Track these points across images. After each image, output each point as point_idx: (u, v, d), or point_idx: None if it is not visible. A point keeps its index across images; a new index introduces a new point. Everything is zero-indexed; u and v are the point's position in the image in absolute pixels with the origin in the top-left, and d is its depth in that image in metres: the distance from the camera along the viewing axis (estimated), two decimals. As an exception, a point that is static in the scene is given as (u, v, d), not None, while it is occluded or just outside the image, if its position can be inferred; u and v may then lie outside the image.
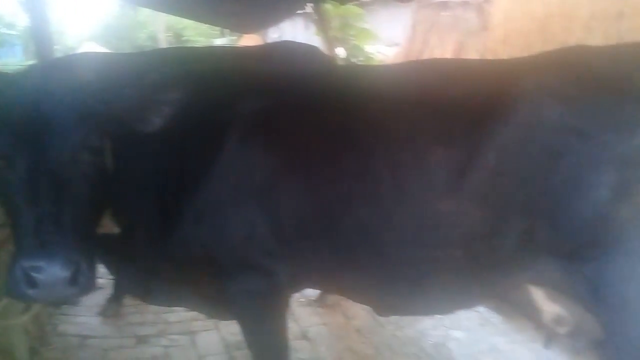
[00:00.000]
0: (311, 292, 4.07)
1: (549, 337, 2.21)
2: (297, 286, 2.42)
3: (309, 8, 5.59)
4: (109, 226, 2.42)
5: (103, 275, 3.40)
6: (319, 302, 3.99)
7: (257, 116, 2.13)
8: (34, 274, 1.65)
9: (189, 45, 13.52)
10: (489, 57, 5.05)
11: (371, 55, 6.91)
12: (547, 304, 2.05)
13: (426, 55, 7.79)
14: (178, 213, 2.13)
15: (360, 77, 2.40)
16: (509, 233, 1.91)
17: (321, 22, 5.61)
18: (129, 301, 3.77)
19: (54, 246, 1.68)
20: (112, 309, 3.82)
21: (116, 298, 3.82)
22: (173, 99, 1.98)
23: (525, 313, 2.25)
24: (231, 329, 3.43)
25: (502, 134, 1.87)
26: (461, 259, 1.98)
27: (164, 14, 10.14)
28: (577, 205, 1.83)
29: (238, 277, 2.19)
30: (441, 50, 10.59)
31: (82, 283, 1.74)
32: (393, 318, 3.71)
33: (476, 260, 1.97)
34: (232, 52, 2.91)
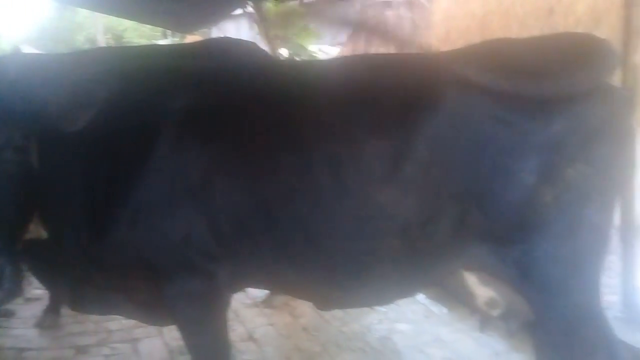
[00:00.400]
0: (257, 294, 4.03)
1: (484, 320, 2.26)
2: (238, 286, 2.38)
3: (251, 8, 5.56)
4: (36, 231, 2.32)
5: (39, 286, 3.28)
6: (266, 303, 3.96)
7: (190, 113, 2.09)
8: None
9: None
10: (428, 53, 5.14)
11: (314, 54, 6.93)
12: (481, 288, 2.09)
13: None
14: (110, 216, 2.06)
15: (296, 72, 2.39)
16: (442, 221, 1.94)
17: (262, 21, 5.59)
18: (67, 311, 3.61)
19: None
20: (49, 319, 3.69)
21: (53, 308, 3.69)
22: (99, 97, 1.93)
23: (461, 298, 2.29)
24: (175, 334, 3.34)
25: (431, 125, 1.90)
26: (399, 249, 1.99)
27: (103, 14, 9.88)
28: (504, 191, 1.88)
29: (176, 280, 2.14)
30: (385, 48, 10.79)
31: (5, 288, 1.67)
32: (339, 314, 3.72)
33: (413, 248, 1.99)
34: (166, 50, 2.86)
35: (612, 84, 1.94)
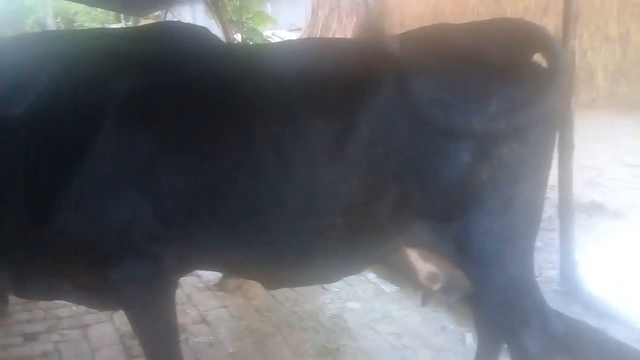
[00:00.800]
0: (210, 277, 4.05)
1: (425, 294, 2.33)
2: (185, 268, 2.37)
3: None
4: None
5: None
6: (219, 286, 3.96)
7: (135, 95, 2.07)
8: None
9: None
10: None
11: (268, 39, 6.87)
12: (422, 264, 2.16)
13: (325, 39, 7.93)
14: (53, 200, 2.03)
15: (243, 55, 2.40)
16: (384, 199, 1.99)
17: (215, 5, 5.51)
18: (15, 299, 3.54)
19: None
20: (-4, 308, 3.61)
21: (0, 296, 3.58)
22: (39, 81, 1.89)
23: (405, 275, 2.37)
24: (125, 319, 3.28)
25: (372, 107, 1.94)
26: (342, 227, 2.03)
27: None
28: (442, 170, 1.93)
29: (121, 264, 2.11)
30: (341, 34, 10.83)
31: None
32: (292, 295, 3.77)
33: (356, 226, 2.04)
34: (113, 33, 2.81)
35: (546, 66, 2.01)
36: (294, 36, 9.52)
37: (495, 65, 1.93)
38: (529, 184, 1.97)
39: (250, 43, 6.05)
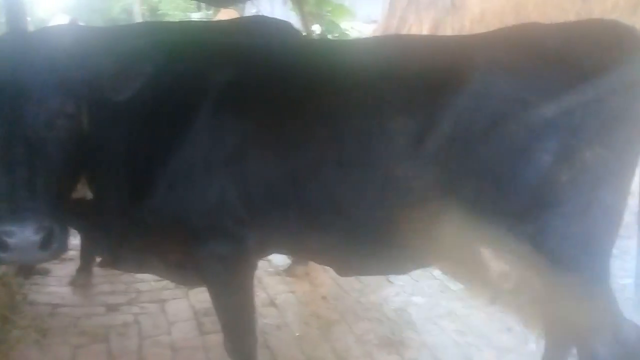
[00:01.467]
0: (280, 263, 4.19)
1: (495, 293, 2.33)
2: (265, 251, 2.50)
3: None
4: (83, 192, 2.46)
5: (74, 247, 3.46)
6: (288, 271, 4.09)
7: (229, 86, 2.19)
8: (5, 238, 1.70)
9: (165, 19, 13.33)
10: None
11: (346, 32, 6.93)
12: (494, 262, 2.16)
13: (404, 33, 7.85)
14: (150, 180, 2.19)
15: (329, 50, 2.48)
16: (461, 196, 2.02)
17: (296, -2, 5.61)
18: (99, 271, 3.80)
19: (26, 212, 1.71)
20: (82, 278, 3.87)
21: (86, 268, 3.86)
22: (146, 70, 2.03)
23: (475, 271, 2.38)
24: (200, 297, 3.52)
25: (455, 104, 1.96)
26: (417, 220, 2.08)
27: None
28: (522, 169, 1.94)
29: (208, 243, 2.25)
30: (418, 27, 10.64)
31: (53, 248, 1.78)
32: (357, 286, 3.85)
33: (430, 220, 2.08)
34: (205, 26, 2.96)
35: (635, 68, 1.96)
36: (371, 29, 9.49)
37: (584, 67, 1.91)
38: (610, 189, 1.94)
39: (330, 36, 6.13)
